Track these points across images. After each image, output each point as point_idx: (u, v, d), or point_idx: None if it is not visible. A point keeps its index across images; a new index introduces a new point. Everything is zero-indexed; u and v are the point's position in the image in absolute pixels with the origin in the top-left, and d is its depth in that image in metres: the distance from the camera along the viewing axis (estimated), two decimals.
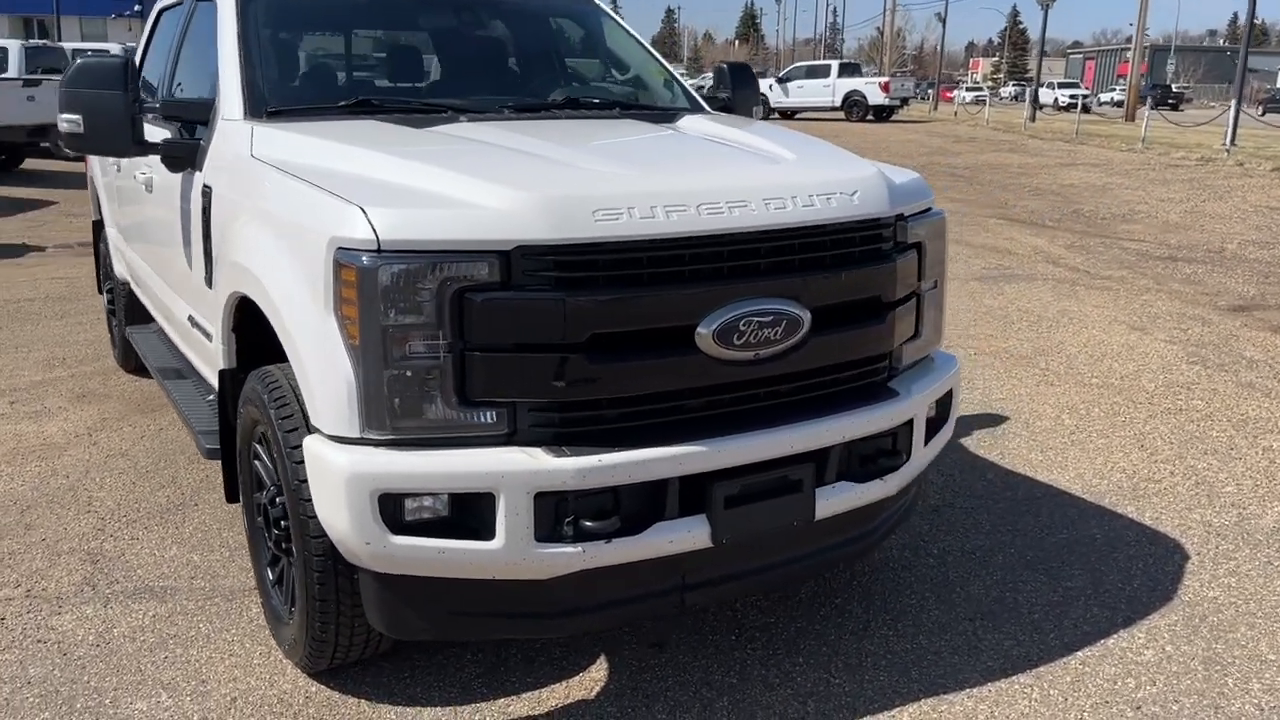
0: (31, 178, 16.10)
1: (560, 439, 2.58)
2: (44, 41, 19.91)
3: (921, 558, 3.86)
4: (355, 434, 2.52)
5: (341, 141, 3.03)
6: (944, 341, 3.46)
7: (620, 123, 3.69)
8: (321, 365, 2.57)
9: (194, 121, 3.64)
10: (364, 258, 2.43)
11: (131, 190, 4.83)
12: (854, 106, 36.72)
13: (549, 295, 2.48)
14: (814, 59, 53.27)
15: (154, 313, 4.95)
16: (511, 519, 2.50)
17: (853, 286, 2.89)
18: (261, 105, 3.45)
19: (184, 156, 3.59)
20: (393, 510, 2.51)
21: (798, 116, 38.39)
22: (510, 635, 3.03)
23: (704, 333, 2.61)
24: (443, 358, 2.48)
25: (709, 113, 4.17)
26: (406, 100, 3.65)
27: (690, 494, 2.68)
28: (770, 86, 38.96)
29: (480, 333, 2.47)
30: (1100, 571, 3.76)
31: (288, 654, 3.14)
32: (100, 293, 6.66)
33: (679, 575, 2.81)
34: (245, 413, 3.10)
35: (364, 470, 2.48)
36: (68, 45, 19.22)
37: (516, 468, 2.50)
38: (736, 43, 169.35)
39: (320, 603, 2.81)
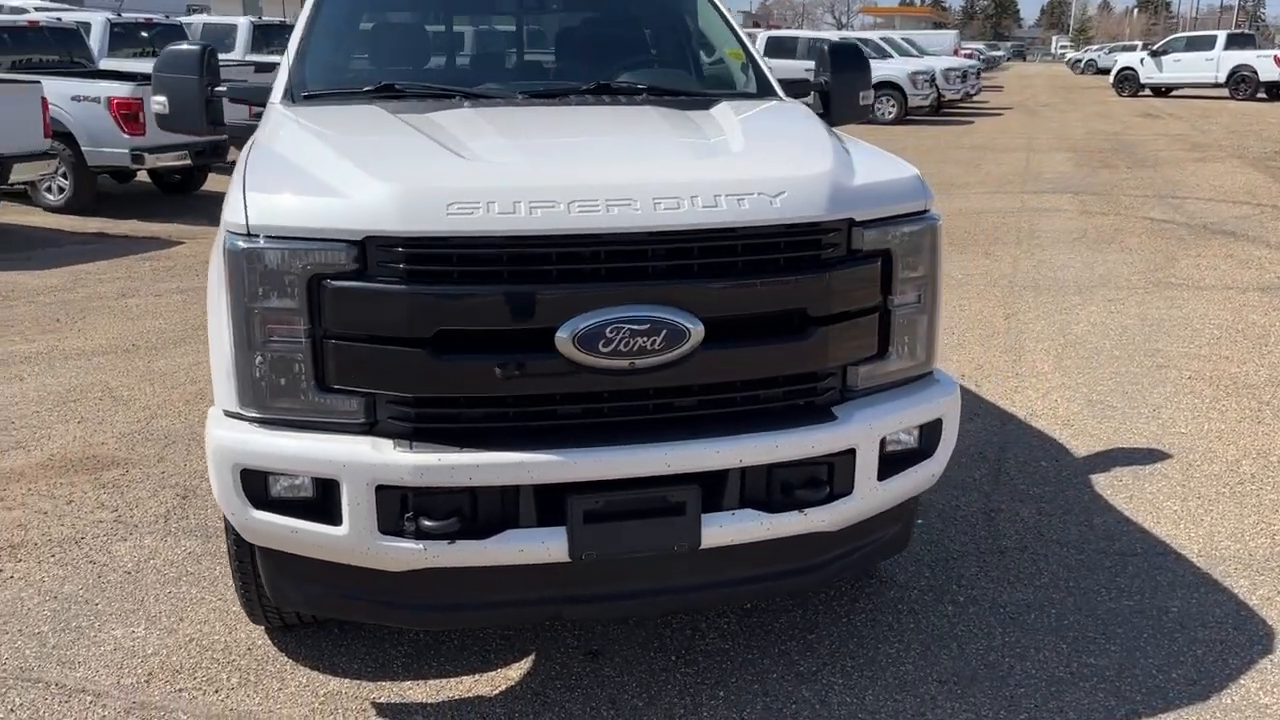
0: None
1: (417, 434, 2.57)
2: (280, 19, 20.53)
3: (940, 604, 3.42)
4: (236, 410, 2.65)
5: (307, 129, 3.15)
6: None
7: (626, 110, 3.53)
8: (216, 342, 2.73)
9: (263, 104, 3.92)
10: (238, 241, 2.54)
11: None
12: (1241, 83, 32.25)
13: (395, 287, 2.47)
14: (1220, 29, 47.37)
15: None
16: (354, 508, 2.53)
17: (764, 298, 2.62)
18: (299, 89, 3.66)
19: (245, 138, 3.88)
20: (258, 486, 2.62)
21: (1173, 94, 34.52)
22: (377, 622, 3.07)
23: (564, 337, 2.48)
24: (303, 342, 2.54)
25: (774, 100, 3.88)
26: (428, 85, 3.71)
27: (554, 505, 2.57)
28: (1141, 60, 35.26)
29: (334, 321, 2.52)
30: (1142, 652, 3.15)
31: None
32: None
33: (558, 586, 2.71)
34: None
35: (227, 445, 2.60)
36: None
37: (357, 458, 2.52)
38: (1135, 12, 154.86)
39: (238, 563, 3.00)
